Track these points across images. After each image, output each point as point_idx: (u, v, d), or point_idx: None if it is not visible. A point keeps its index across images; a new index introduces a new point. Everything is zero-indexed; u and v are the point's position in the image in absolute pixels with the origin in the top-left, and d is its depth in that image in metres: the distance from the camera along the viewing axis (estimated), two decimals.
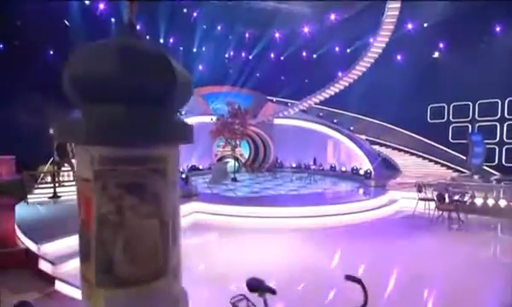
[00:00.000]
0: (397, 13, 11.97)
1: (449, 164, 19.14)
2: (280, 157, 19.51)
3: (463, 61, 17.50)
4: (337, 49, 20.20)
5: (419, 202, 8.41)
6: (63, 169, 9.40)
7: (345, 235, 6.72)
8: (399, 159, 19.83)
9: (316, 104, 18.94)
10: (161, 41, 18.74)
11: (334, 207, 8.02)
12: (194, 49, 20.36)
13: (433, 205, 7.85)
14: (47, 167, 9.99)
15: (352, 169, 14.80)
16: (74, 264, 4.46)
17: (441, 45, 18.59)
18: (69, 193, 8.57)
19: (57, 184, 8.62)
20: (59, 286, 4.18)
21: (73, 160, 10.54)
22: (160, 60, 1.94)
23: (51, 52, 18.44)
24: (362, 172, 13.77)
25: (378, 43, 13.66)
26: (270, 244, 6.00)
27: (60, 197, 8.47)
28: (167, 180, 2.03)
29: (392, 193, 10.35)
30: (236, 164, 23.99)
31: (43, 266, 4.53)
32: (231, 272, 4.52)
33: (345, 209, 8.03)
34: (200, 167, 16.12)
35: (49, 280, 4.31)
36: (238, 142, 14.90)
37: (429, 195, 8.30)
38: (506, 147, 17.84)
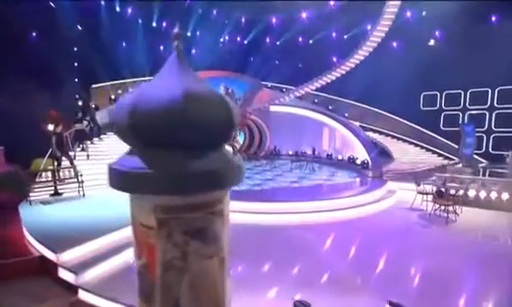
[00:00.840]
0: (399, 2, 11.82)
1: (440, 151, 19.83)
2: (276, 144, 19.58)
3: (458, 50, 17.70)
4: (334, 34, 19.92)
5: (416, 195, 8.78)
6: (63, 165, 9.14)
7: (363, 230, 6.99)
8: (393, 146, 20.38)
9: (311, 90, 18.90)
10: (154, 25, 17.92)
11: (342, 201, 8.26)
12: (189, 34, 19.61)
13: (430, 197, 8.23)
14: (45, 161, 9.68)
15: (349, 158, 15.06)
16: (95, 273, 4.51)
17: (437, 33, 18.59)
18: (69, 189, 8.42)
19: (57, 181, 8.42)
20: (82, 295, 4.22)
21: (71, 153, 10.34)
22: (222, 104, 1.90)
23: (34, 34, 17.41)
24: (359, 162, 14.03)
25: (378, 32, 13.55)
26: (310, 241, 6.20)
27: (61, 194, 8.32)
28: (224, 218, 2.05)
29: (389, 183, 10.70)
30: (231, 150, 24.06)
31: (63, 274, 4.53)
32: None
33: (350, 202, 8.28)
34: None
35: (72, 288, 4.33)
36: (237, 133, 14.80)
37: (427, 187, 8.68)
38: (494, 135, 18.52)
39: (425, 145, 20.65)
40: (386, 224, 7.60)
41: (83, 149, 11.41)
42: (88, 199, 8.04)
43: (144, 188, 1.77)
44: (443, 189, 7.88)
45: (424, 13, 16.55)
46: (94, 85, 17.77)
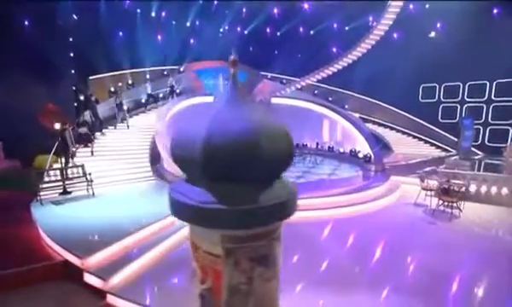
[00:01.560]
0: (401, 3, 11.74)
1: (438, 143, 20.14)
2: None
3: (458, 42, 17.73)
4: (335, 25, 19.72)
5: (419, 191, 9.04)
6: (70, 164, 9.05)
7: (369, 227, 7.19)
8: (391, 137, 20.59)
9: (313, 82, 18.84)
10: (153, 15, 17.43)
11: (347, 197, 8.44)
12: (188, 24, 19.15)
13: (433, 192, 8.49)
14: (50, 159, 9.55)
15: (351, 151, 15.23)
16: (120, 277, 4.58)
17: (438, 25, 18.58)
18: (77, 188, 8.36)
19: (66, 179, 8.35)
20: (110, 299, 4.31)
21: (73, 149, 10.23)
22: (286, 136, 1.95)
23: (27, 23, 16.83)
24: (361, 155, 14.21)
25: (382, 26, 13.49)
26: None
27: (70, 193, 8.27)
28: (280, 242, 2.13)
29: (392, 178, 10.93)
30: None
31: (89, 279, 4.59)
32: None
33: (356, 199, 8.47)
34: None
35: (99, 293, 4.41)
36: None
37: (431, 182, 8.94)
38: (490, 127, 18.85)
39: (423, 137, 20.94)
40: (393, 220, 7.79)
41: (86, 145, 11.22)
42: (98, 198, 8.02)
43: (216, 223, 1.81)
44: (448, 186, 8.10)
45: (427, 6, 16.39)
46: (91, 77, 17.36)
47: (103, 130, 12.63)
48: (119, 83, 15.77)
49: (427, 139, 20.76)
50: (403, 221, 7.76)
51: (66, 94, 17.30)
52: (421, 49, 18.81)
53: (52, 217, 6.50)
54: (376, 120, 22.00)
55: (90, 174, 8.35)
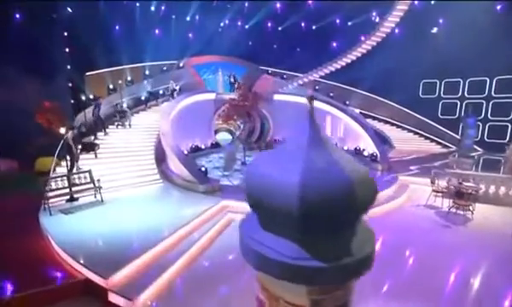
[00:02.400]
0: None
1: (438, 139, 20.29)
2: (279, 134, 19.40)
3: (460, 38, 17.70)
4: (338, 21, 19.45)
5: (430, 192, 9.06)
6: (78, 169, 8.72)
7: (385, 231, 7.08)
8: (392, 132, 20.66)
9: (316, 78, 18.67)
10: (152, 9, 16.83)
11: None
12: (188, 18, 18.59)
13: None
14: (54, 162, 9.20)
15: (356, 149, 15.19)
16: (147, 294, 4.43)
17: (441, 21, 18.50)
18: (83, 194, 8.05)
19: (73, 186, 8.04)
20: None
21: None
22: (371, 181, 1.80)
23: (18, 16, 16.09)
24: (366, 154, 14.20)
25: (388, 23, 13.32)
26: None
27: (77, 199, 7.97)
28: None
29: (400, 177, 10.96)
30: (230, 136, 23.74)
31: (114, 298, 4.42)
32: None
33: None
34: (202, 147, 15.70)
35: None
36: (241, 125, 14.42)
37: (441, 183, 8.99)
38: (489, 124, 19.04)
39: (423, 133, 21.04)
40: (407, 224, 7.76)
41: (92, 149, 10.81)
42: (108, 204, 7.77)
43: (312, 280, 1.66)
44: (462, 189, 8.12)
45: (433, 2, 16.24)
46: (88, 73, 16.79)
47: (106, 130, 12.24)
48: (120, 81, 15.23)
49: (426, 135, 20.89)
50: (419, 225, 7.71)
51: (62, 91, 16.73)
52: (423, 45, 18.80)
53: (64, 228, 6.24)
54: (377, 116, 22.02)
55: (98, 180, 8.06)
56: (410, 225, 7.65)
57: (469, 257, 5.84)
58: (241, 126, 24.17)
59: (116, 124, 12.96)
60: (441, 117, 20.57)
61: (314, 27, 20.25)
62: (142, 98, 15.97)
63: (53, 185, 7.54)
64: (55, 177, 7.65)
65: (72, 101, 17.02)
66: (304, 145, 1.84)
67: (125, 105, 13.67)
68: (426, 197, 9.21)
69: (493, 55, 17.09)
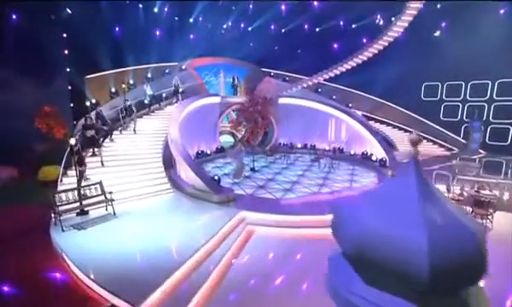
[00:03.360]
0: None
1: (440, 142, 20.40)
2: (282, 137, 19.20)
3: (463, 42, 17.84)
4: (341, 23, 19.33)
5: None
6: (88, 181, 8.36)
7: None
8: (394, 134, 20.70)
9: (321, 81, 18.50)
10: (155, 10, 16.41)
11: None
12: (191, 20, 18.22)
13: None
14: (61, 173, 8.82)
15: (363, 153, 15.11)
16: None
17: (443, 24, 18.55)
18: (93, 207, 7.69)
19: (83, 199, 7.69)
20: None
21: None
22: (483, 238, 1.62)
23: (14, 17, 15.53)
24: (374, 158, 14.12)
25: (397, 27, 13.23)
26: None
27: (87, 212, 7.64)
28: None
29: None
30: (232, 139, 23.47)
31: None
32: None
33: None
34: (208, 152, 15.41)
35: None
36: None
37: (456, 190, 8.91)
38: (491, 126, 19.21)
39: (426, 136, 21.11)
40: None
41: (94, 154, 10.44)
42: (121, 218, 7.46)
43: None
44: (480, 198, 8.05)
45: (439, 6, 16.22)
46: (89, 76, 16.31)
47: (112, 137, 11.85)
48: (123, 85, 14.79)
49: (428, 137, 20.97)
50: None
51: (61, 94, 16.23)
52: (425, 48, 18.87)
53: (80, 246, 5.92)
54: (379, 118, 22.04)
55: (110, 192, 7.74)
56: None
57: (498, 270, 5.72)
58: (243, 130, 23.95)
59: (120, 129, 12.57)
60: (443, 119, 20.75)
61: (317, 29, 20.10)
62: (146, 102, 15.56)
63: (63, 198, 7.17)
64: (66, 191, 7.28)
65: (72, 105, 16.53)
66: (415, 196, 1.64)
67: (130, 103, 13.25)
68: None
69: (495, 58, 17.28)
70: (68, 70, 16.24)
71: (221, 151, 16.04)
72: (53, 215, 7.06)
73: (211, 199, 8.65)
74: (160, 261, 5.32)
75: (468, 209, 8.40)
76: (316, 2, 18.19)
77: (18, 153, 13.00)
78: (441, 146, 20.04)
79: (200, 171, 9.32)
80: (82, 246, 5.92)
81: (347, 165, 14.40)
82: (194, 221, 7.32)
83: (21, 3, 14.41)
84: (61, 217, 6.82)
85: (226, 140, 20.31)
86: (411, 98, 21.23)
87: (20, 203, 9.04)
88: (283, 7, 18.85)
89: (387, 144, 14.31)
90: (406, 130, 21.56)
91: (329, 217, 7.34)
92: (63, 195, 7.16)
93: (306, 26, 20.05)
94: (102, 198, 7.78)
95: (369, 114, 21.56)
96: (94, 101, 14.50)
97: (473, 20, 17.34)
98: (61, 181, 8.85)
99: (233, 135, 23.90)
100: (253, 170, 12.81)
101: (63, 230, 6.60)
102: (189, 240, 6.19)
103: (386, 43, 14.27)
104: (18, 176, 12.54)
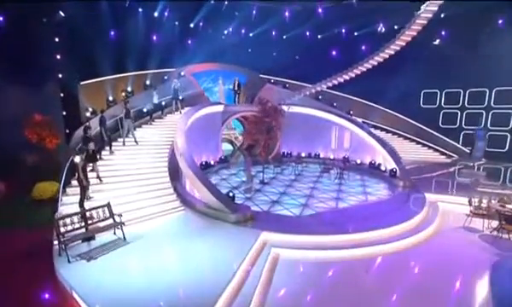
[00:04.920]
0: (436, 8, 11.38)
1: (440, 148, 20.50)
2: (285, 146, 18.79)
3: (462, 50, 18.08)
4: (343, 31, 19.22)
5: (470, 214, 8.72)
6: (95, 204, 7.58)
7: (430, 263, 6.51)
8: (393, 142, 20.63)
9: (324, 88, 18.25)
10: (155, 14, 15.71)
11: (395, 229, 7.83)
12: (192, 25, 17.61)
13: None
14: (61, 191, 7.99)
15: (370, 163, 14.87)
16: None
17: (443, 33, 18.75)
18: (101, 234, 6.94)
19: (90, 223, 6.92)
20: None
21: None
22: None
23: (1, 18, 14.54)
24: (383, 168, 13.89)
25: (405, 37, 13.11)
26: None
27: (94, 238, 6.88)
28: None
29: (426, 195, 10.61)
30: (231, 147, 22.91)
31: None
32: None
33: (404, 228, 7.89)
34: (212, 162, 14.77)
35: None
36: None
37: (481, 203, 8.67)
38: (489, 134, 19.47)
39: (424, 142, 21.23)
40: (453, 254, 7.03)
41: (91, 169, 9.59)
42: (132, 244, 6.72)
43: None
44: (508, 213, 7.82)
45: (443, 15, 16.32)
46: (83, 82, 15.39)
47: (112, 148, 11.06)
48: (122, 93, 13.99)
49: (427, 144, 21.08)
50: (465, 253, 7.06)
51: (53, 101, 15.24)
52: (425, 55, 19.00)
53: (91, 282, 5.19)
54: (379, 125, 22.01)
55: (120, 215, 7.02)
56: (459, 254, 6.99)
57: None
58: (238, 134, 23.41)
59: (123, 139, 11.77)
60: (442, 126, 20.93)
61: (319, 37, 19.92)
62: (144, 110, 14.79)
63: (68, 222, 6.41)
64: (71, 215, 6.52)
65: (64, 113, 15.56)
66: None
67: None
68: (457, 217, 8.86)
69: (493, 67, 17.60)
70: (60, 76, 15.29)
71: (224, 161, 15.44)
72: (56, 242, 6.28)
73: (227, 218, 8.05)
74: (188, 298, 4.69)
75: (494, 224, 8.23)
76: (320, 10, 17.98)
77: (5, 166, 11.98)
78: (442, 153, 20.12)
79: (215, 188, 8.71)
80: (93, 281, 5.19)
81: (355, 175, 14.10)
82: (213, 246, 6.70)
83: (10, 4, 13.43)
84: (66, 244, 6.04)
85: (225, 148, 19.78)
86: (410, 105, 21.34)
87: (11, 225, 8.13)
88: (287, 13, 18.55)
89: (397, 154, 14.08)
90: (406, 138, 21.67)
91: (360, 235, 6.73)
92: (68, 220, 6.38)
93: (308, 33, 19.82)
94: (111, 221, 7.04)
95: (369, 121, 21.50)
96: (90, 109, 13.61)
97: (472, 30, 17.58)
98: (61, 200, 8.02)
99: (232, 143, 23.35)
100: (262, 182, 12.29)
101: (69, 261, 5.84)
102: (213, 272, 5.58)
103: (393, 52, 14.10)
104: (6, 191, 11.49)
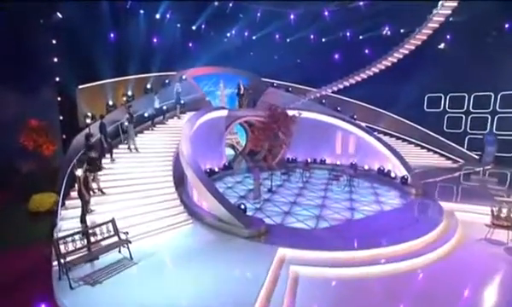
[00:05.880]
0: (449, 12, 11.09)
1: (444, 153, 20.22)
2: (290, 152, 18.29)
3: (467, 54, 17.88)
4: (348, 34, 18.92)
5: (491, 226, 8.33)
6: (89, 216, 7.02)
7: (459, 281, 6.04)
8: (397, 147, 20.29)
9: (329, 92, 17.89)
10: (157, 16, 15.19)
11: (416, 242, 7.39)
12: (194, 27, 17.13)
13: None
14: (60, 205, 7.41)
15: (379, 169, 14.48)
16: None
17: (448, 37, 18.55)
18: (105, 254, 6.33)
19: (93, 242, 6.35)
20: None
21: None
22: None
23: None
24: (393, 175, 13.50)
25: (415, 40, 12.80)
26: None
27: (97, 258, 6.28)
28: None
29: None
30: (232, 152, 22.40)
31: None
32: None
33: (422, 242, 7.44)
34: (216, 169, 14.25)
35: None
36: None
37: (501, 213, 8.28)
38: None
39: (428, 146, 20.94)
40: (479, 270, 6.53)
41: (93, 179, 9.01)
42: (140, 264, 6.17)
43: None
44: None
45: (451, 19, 16.07)
46: (81, 86, 14.80)
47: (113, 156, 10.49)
48: (123, 98, 13.42)
49: (432, 148, 20.79)
50: (493, 268, 6.57)
51: (49, 106, 14.63)
52: (429, 59, 18.78)
53: None
54: (383, 130, 21.70)
55: (126, 233, 6.47)
56: (485, 270, 6.49)
57: None
58: (240, 140, 22.93)
59: (128, 146, 11.20)
60: (447, 130, 20.69)
61: (324, 40, 19.59)
62: (146, 115, 14.23)
63: (69, 242, 5.85)
64: (72, 235, 5.95)
65: (62, 118, 14.95)
66: None
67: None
68: (477, 228, 8.44)
69: (498, 71, 17.43)
70: (58, 79, 14.70)
71: (229, 168, 14.94)
72: (56, 263, 5.71)
73: (239, 232, 7.55)
74: None
75: None
76: (326, 12, 17.64)
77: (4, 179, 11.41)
78: (447, 158, 19.83)
79: (226, 200, 8.19)
80: None
81: (364, 182, 13.68)
82: (229, 265, 6.19)
83: (6, 4, 12.82)
84: (67, 267, 5.48)
85: (227, 153, 19.29)
86: (414, 109, 21.08)
87: (4, 242, 7.50)
88: (292, 16, 18.19)
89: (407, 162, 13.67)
90: (411, 142, 21.37)
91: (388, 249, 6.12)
92: (69, 240, 5.82)
93: (312, 36, 19.47)
94: (116, 238, 6.49)
95: (371, 125, 21.19)
96: (89, 114, 13.01)
97: (477, 34, 17.40)
98: (60, 214, 7.44)
99: (233, 147, 22.84)
100: (270, 190, 11.80)
101: (72, 287, 5.28)
102: (233, 296, 5.07)
103: (401, 56, 13.79)
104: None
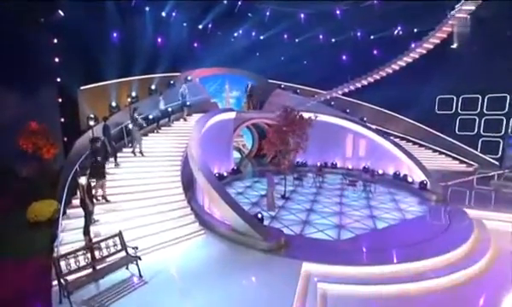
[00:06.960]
0: (473, 7, 10.51)
1: (456, 155, 19.60)
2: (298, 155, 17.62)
3: (480, 55, 17.34)
4: (359, 34, 18.35)
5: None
6: (93, 227, 6.37)
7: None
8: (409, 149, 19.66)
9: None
10: (163, 14, 14.63)
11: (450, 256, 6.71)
12: (200, 26, 16.56)
13: None
14: (61, 214, 6.75)
15: (394, 174, 13.84)
16: None
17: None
18: (113, 274, 5.65)
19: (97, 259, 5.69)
20: None
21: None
22: None
23: None
24: (409, 180, 12.86)
25: (434, 39, 12.22)
26: None
27: (103, 276, 5.60)
28: None
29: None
30: (239, 155, 21.80)
31: None
32: None
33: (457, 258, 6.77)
34: (225, 174, 13.61)
35: None
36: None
37: None
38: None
39: (440, 149, 20.34)
40: None
41: (100, 186, 8.36)
42: (151, 283, 5.52)
43: None
44: None
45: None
46: (83, 87, 14.21)
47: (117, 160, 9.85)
48: (128, 99, 12.81)
49: (445, 151, 20.17)
50: None
51: (50, 107, 14.04)
52: (440, 60, 18.22)
53: None
54: (393, 132, 21.10)
55: (136, 248, 5.81)
56: None
57: None
58: (247, 144, 22.37)
59: (133, 150, 10.57)
60: (459, 133, 20.07)
61: (333, 40, 19.03)
62: (150, 117, 13.60)
63: (71, 261, 5.20)
64: (74, 251, 5.30)
65: (63, 120, 14.35)
66: None
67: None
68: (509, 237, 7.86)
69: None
70: (59, 80, 14.11)
71: (237, 172, 14.29)
72: (57, 283, 5.06)
73: (256, 245, 6.89)
74: None
75: None
76: (338, 11, 17.07)
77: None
78: (461, 161, 19.18)
79: (242, 209, 7.54)
80: None
81: (378, 187, 13.02)
82: (250, 283, 5.54)
83: (5, 3, 12.24)
84: (70, 289, 4.82)
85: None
86: (424, 111, 20.49)
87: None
88: (302, 15, 17.62)
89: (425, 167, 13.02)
90: (421, 145, 20.76)
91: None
92: (71, 258, 5.16)
93: (321, 36, 18.91)
94: (123, 253, 5.83)
95: (381, 128, 20.60)
96: (92, 116, 12.40)
97: (491, 33, 16.84)
98: (62, 225, 6.78)
99: (239, 151, 22.25)
100: (283, 197, 11.15)
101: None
102: None
103: (417, 56, 13.20)
104: None
